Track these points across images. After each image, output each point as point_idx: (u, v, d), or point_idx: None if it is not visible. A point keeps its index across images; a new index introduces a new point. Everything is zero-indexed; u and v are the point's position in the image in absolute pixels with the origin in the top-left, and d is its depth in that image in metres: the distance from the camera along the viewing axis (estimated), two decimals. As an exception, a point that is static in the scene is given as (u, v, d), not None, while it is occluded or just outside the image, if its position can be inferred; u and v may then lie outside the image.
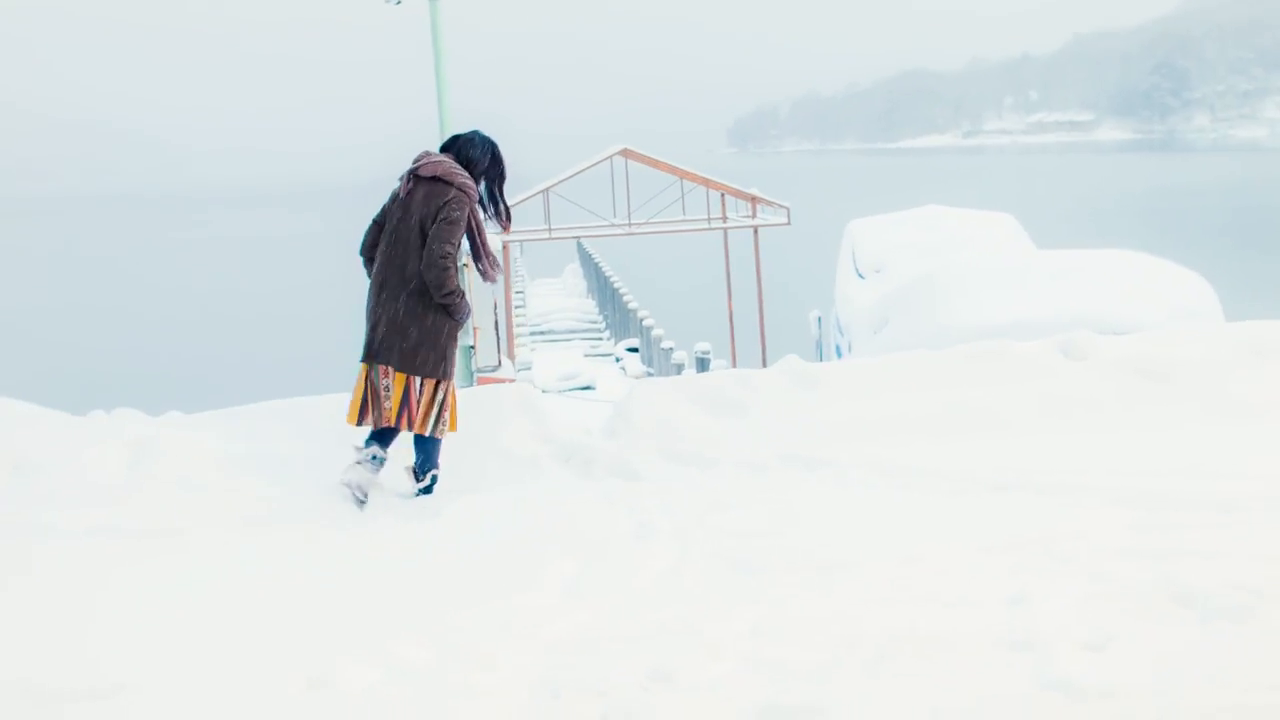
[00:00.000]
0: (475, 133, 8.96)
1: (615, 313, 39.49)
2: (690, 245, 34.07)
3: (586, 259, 54.00)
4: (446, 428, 8.59)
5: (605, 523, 7.69)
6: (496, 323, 14.10)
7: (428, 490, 8.57)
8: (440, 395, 8.49)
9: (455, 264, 8.44)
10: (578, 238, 32.52)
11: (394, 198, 8.63)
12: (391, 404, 8.38)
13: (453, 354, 8.58)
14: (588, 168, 30.83)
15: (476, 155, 8.77)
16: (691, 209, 31.46)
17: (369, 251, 8.71)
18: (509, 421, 9.33)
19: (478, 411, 9.32)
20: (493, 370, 14.24)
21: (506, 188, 9.05)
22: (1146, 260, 15.07)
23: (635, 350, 33.05)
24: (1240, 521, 6.80)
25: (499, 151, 8.93)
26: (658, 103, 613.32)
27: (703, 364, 23.23)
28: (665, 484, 8.38)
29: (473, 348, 14.18)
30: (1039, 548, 6.58)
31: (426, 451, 8.62)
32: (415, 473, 8.61)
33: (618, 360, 33.75)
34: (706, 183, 31.12)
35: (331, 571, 6.98)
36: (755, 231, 31.39)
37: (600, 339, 40.44)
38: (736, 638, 5.62)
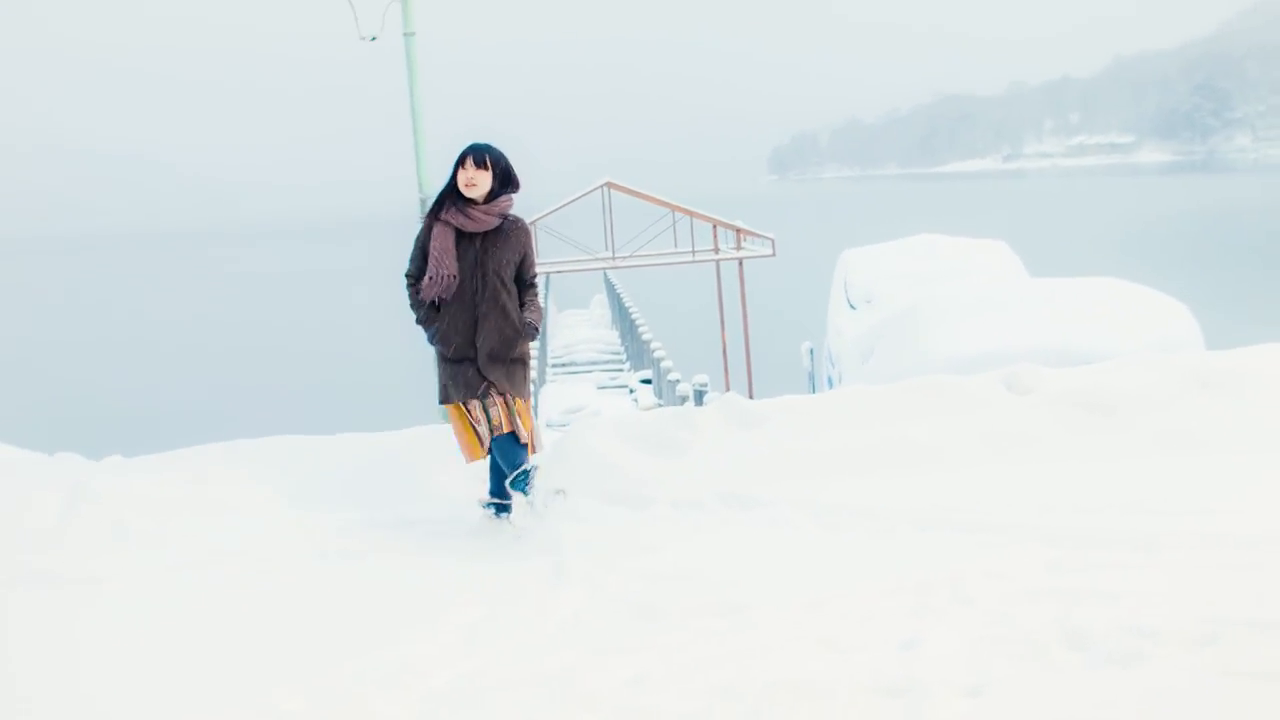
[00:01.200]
0: None
1: (634, 344, 39.47)
2: (702, 275, 34.03)
3: (610, 290, 54.00)
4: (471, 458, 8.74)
5: (522, 565, 7.63)
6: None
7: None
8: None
9: (410, 282, 8.67)
10: (560, 271, 32.56)
11: None
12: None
13: (439, 375, 8.67)
14: (572, 201, 31.08)
15: None
16: (685, 240, 31.52)
17: None
18: (447, 461, 9.27)
19: (418, 451, 9.29)
20: None
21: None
22: (1129, 289, 14.95)
23: (649, 382, 32.95)
24: (1159, 562, 6.68)
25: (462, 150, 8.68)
26: (695, 130, 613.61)
27: (699, 396, 23.16)
28: (594, 524, 8.31)
29: None
30: (947, 589, 6.48)
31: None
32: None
33: (631, 392, 33.67)
34: (690, 214, 31.14)
35: (234, 618, 6.95)
36: (740, 263, 31.34)
37: (621, 370, 40.38)
38: (617, 686, 5.55)
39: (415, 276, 8.62)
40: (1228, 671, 5.08)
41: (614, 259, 31.55)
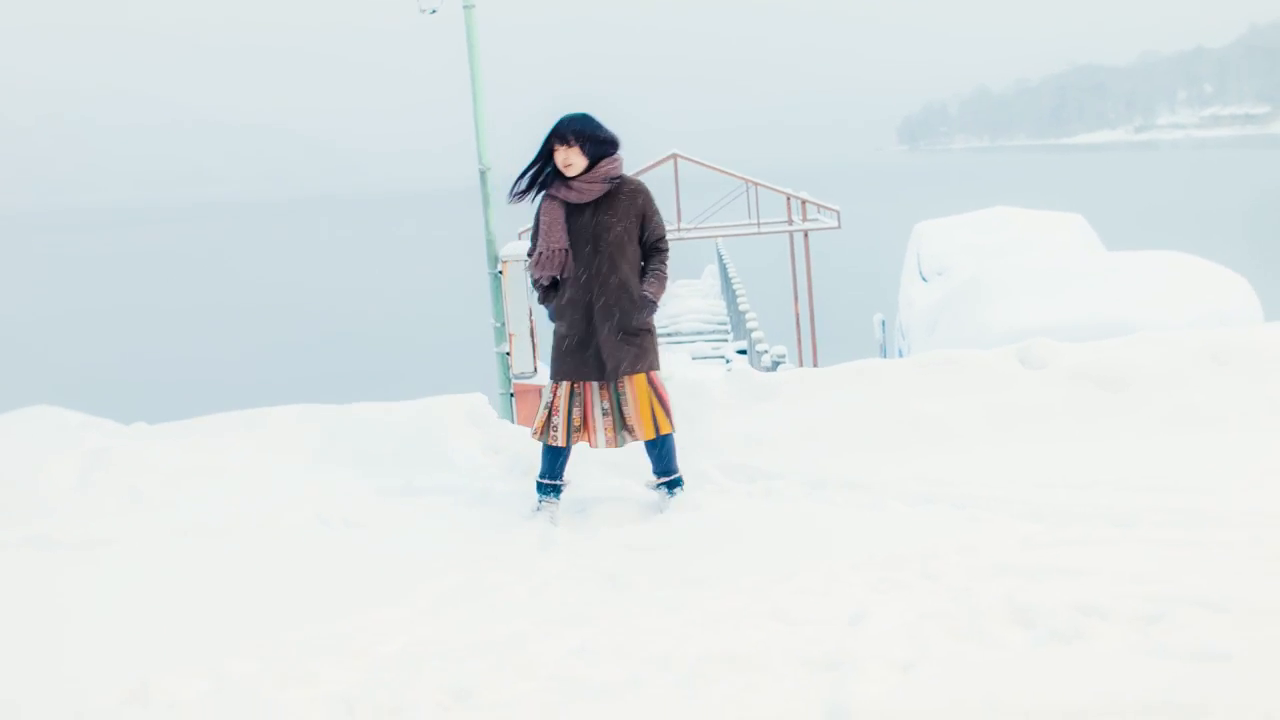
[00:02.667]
0: None
1: (736, 314, 39.42)
2: (797, 246, 34.04)
3: (720, 260, 53.95)
4: (536, 434, 8.38)
5: (512, 534, 7.73)
6: (532, 329, 14.42)
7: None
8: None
9: (533, 264, 8.32)
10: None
11: None
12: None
13: (556, 355, 8.33)
14: (640, 172, 30.36)
15: None
16: (764, 211, 31.51)
17: None
18: (457, 432, 9.38)
19: (426, 421, 9.39)
20: (528, 377, 14.63)
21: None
22: (1190, 262, 14.73)
23: (744, 352, 32.89)
24: (1133, 539, 6.64)
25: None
26: (824, 99, 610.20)
27: (775, 367, 23.07)
28: (595, 494, 8.41)
29: (508, 354, 14.47)
30: (918, 564, 6.48)
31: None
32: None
33: (727, 361, 33.59)
34: (756, 184, 31.09)
35: (218, 583, 7.12)
36: (805, 235, 31.24)
37: (725, 340, 40.27)
38: (559, 655, 5.62)
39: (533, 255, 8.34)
40: (1162, 652, 5.04)
41: (679, 230, 31.31)
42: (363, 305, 69.96)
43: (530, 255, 8.34)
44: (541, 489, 8.37)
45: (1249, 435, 8.47)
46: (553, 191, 8.20)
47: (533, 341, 14.32)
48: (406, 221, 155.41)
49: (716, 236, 33.13)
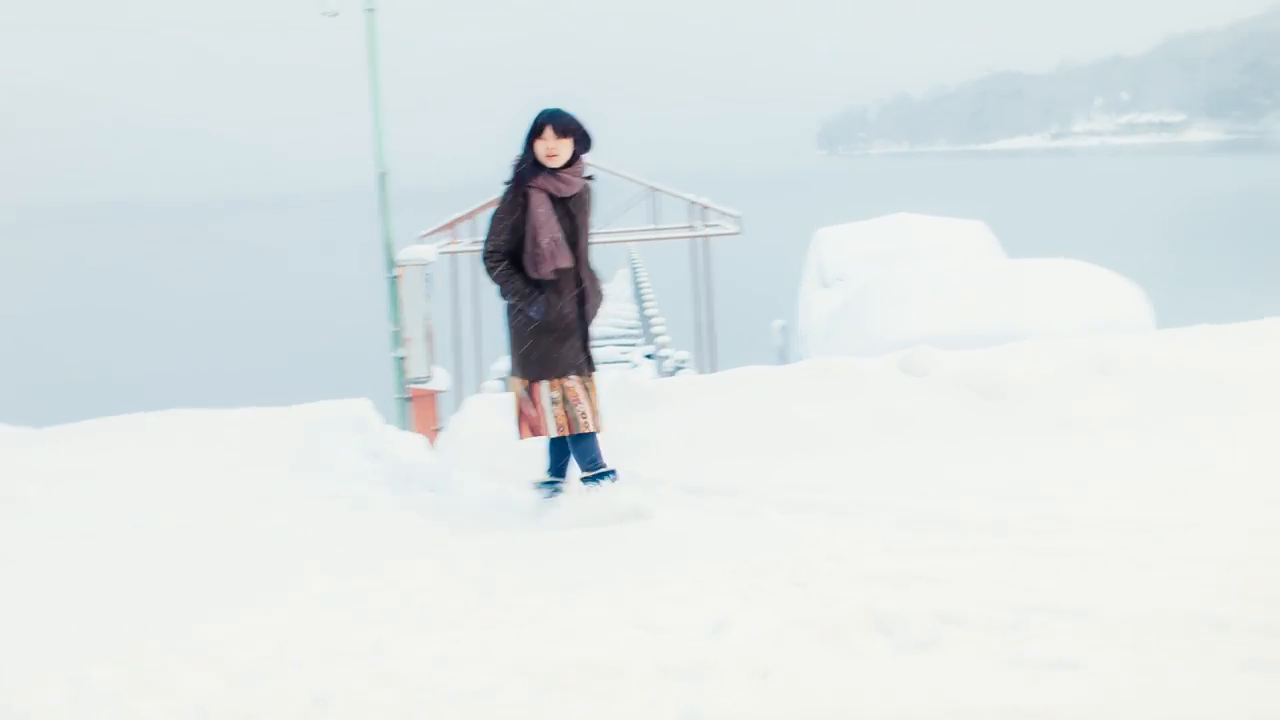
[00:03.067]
0: None
1: (644, 319, 39.54)
2: (702, 252, 34.21)
3: (632, 265, 54.10)
4: (524, 431, 8.38)
5: (385, 538, 7.71)
6: (428, 334, 14.48)
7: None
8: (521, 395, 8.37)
9: (496, 260, 8.21)
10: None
11: None
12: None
13: (527, 351, 8.24)
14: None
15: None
16: (668, 217, 31.61)
17: None
18: (337, 438, 9.35)
19: (306, 427, 9.36)
20: (423, 382, 14.86)
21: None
22: (1084, 270, 14.90)
23: (652, 356, 33.00)
24: (998, 546, 6.71)
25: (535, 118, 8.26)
26: (740, 109, 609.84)
27: (676, 372, 23.17)
28: (472, 501, 8.40)
29: (404, 359, 14.44)
30: (787, 572, 6.50)
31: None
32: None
33: (634, 366, 33.66)
34: (656, 190, 31.18)
35: (82, 588, 7.05)
36: (705, 241, 31.50)
37: (635, 344, 40.33)
38: (420, 662, 5.60)
39: (504, 253, 8.20)
40: (1017, 660, 5.08)
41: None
42: (259, 309, 69.65)
43: (493, 253, 8.23)
44: (550, 485, 8.52)
45: (1125, 443, 8.57)
46: (540, 184, 8.15)
47: (428, 346, 14.49)
48: (309, 224, 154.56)
49: (616, 241, 32.99)
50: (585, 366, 8.28)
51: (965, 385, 9.20)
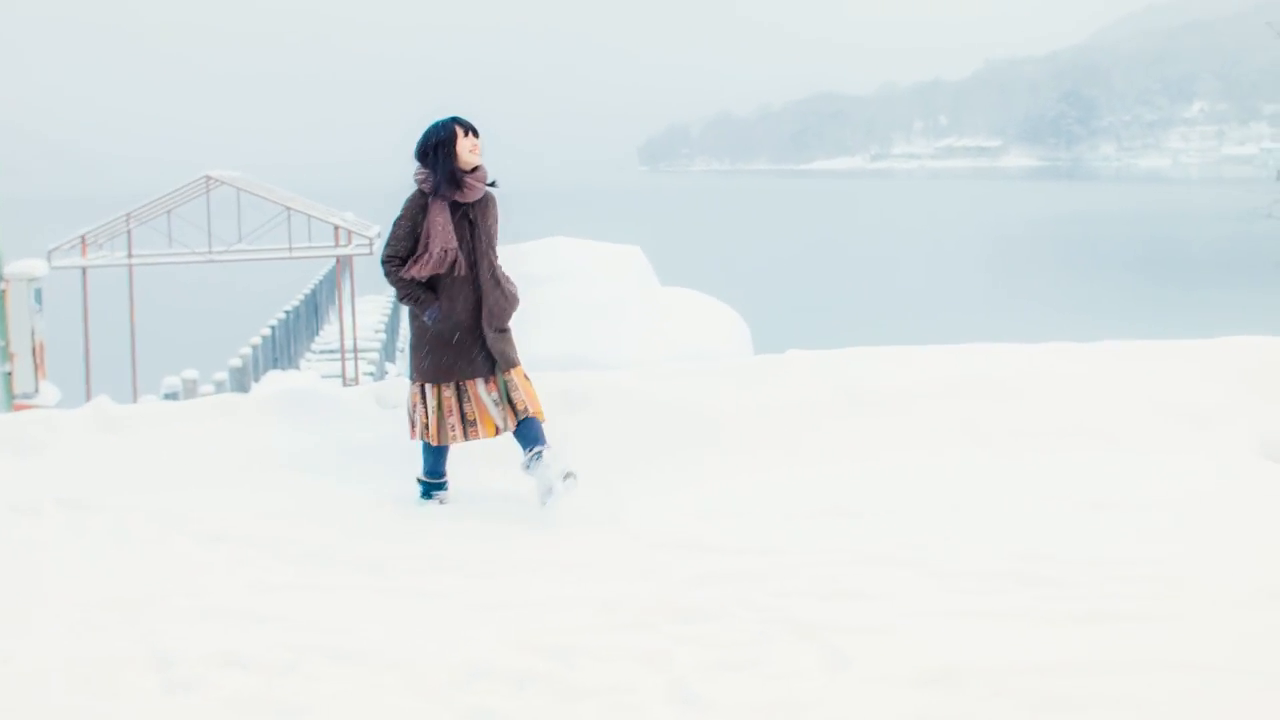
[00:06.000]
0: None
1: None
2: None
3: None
4: (414, 431, 8.67)
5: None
6: (35, 349, 14.26)
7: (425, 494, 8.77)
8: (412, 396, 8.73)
9: (395, 265, 8.49)
10: (152, 264, 33.04)
11: None
12: None
13: (419, 356, 8.59)
14: (170, 194, 31.54)
15: (419, 148, 8.50)
16: (305, 236, 32.30)
17: None
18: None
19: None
20: (30, 397, 14.67)
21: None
22: (692, 298, 15.64)
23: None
24: (342, 586, 6.85)
25: (434, 128, 8.48)
26: (563, 123, 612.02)
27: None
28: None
29: (10, 374, 14.20)
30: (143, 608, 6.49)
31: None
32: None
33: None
34: (292, 210, 31.41)
35: None
36: (338, 261, 32.59)
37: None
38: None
39: (402, 258, 8.45)
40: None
41: (210, 253, 31.82)
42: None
43: (393, 258, 8.50)
44: (429, 487, 8.68)
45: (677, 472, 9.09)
46: (442, 193, 8.39)
47: (34, 361, 14.25)
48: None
49: (247, 260, 33.35)
50: (482, 370, 8.47)
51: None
